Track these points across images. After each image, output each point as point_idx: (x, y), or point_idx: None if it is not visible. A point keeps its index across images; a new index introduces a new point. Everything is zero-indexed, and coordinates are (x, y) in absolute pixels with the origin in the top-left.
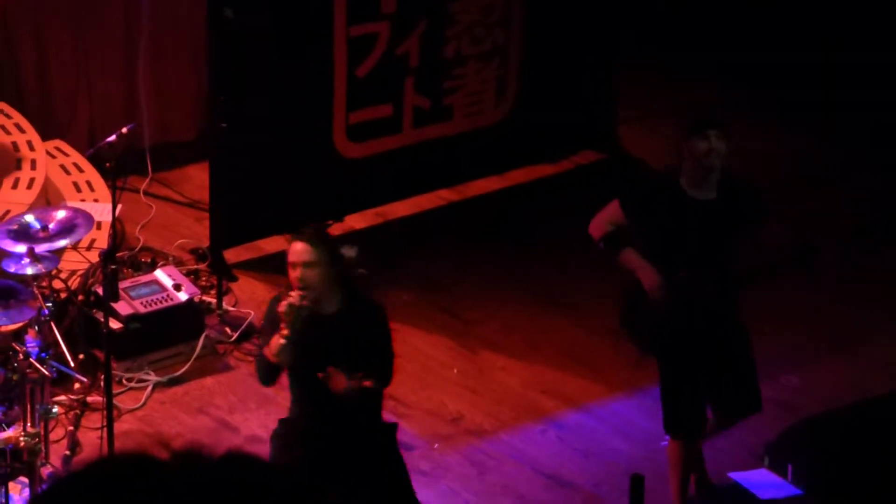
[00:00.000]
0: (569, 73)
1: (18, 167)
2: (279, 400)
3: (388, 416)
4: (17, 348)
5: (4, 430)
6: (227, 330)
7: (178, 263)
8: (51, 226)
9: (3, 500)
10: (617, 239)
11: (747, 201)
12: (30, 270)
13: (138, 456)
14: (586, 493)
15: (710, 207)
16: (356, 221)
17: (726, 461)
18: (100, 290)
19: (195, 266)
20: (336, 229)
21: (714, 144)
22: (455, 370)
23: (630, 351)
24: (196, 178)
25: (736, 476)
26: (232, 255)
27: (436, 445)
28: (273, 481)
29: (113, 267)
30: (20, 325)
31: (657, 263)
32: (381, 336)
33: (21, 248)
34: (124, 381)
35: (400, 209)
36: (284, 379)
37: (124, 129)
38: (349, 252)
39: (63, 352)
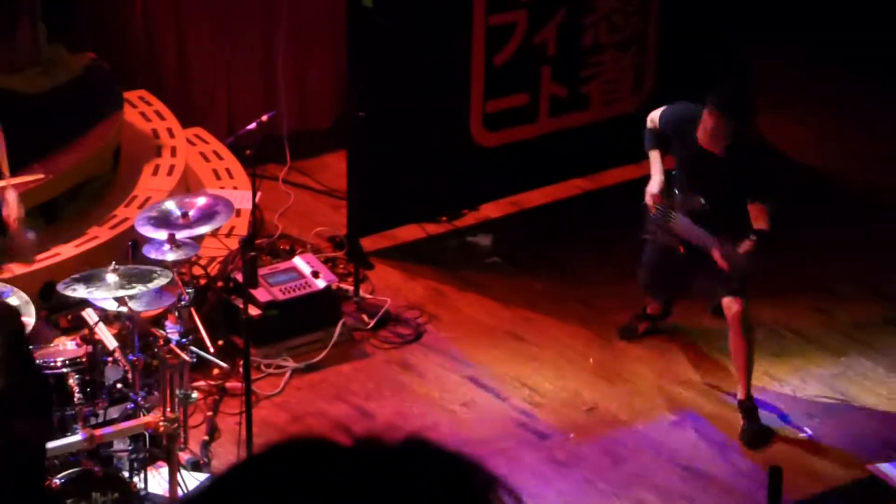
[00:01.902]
0: (705, 61)
1: (159, 154)
2: (414, 387)
3: (523, 406)
4: (157, 334)
5: (144, 416)
6: (364, 317)
7: (316, 251)
8: (191, 213)
9: (143, 485)
10: (651, 136)
11: (750, 175)
12: (170, 257)
13: (320, 441)
14: (723, 484)
15: (715, 159)
16: (491, 210)
17: (865, 454)
18: (239, 277)
19: (333, 254)
20: (471, 218)
21: (715, 124)
22: (591, 360)
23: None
24: (334, 167)
25: (875, 468)
26: (369, 243)
27: (571, 435)
28: (455, 467)
29: (252, 254)
30: (160, 310)
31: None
32: None
33: (161, 234)
34: (262, 368)
35: (535, 198)
36: (417, 365)
37: (264, 118)
38: (484, 241)
39: (202, 338)
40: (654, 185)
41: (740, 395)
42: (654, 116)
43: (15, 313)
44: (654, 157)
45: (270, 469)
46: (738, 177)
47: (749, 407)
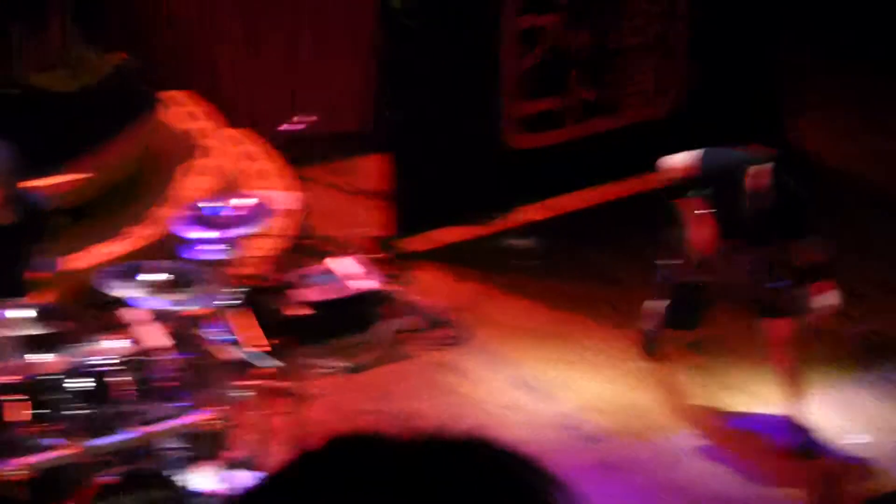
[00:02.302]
0: (736, 66)
1: (201, 154)
2: (459, 389)
3: (566, 408)
4: (207, 333)
5: (193, 414)
6: (409, 319)
7: (360, 252)
8: (235, 213)
9: (191, 484)
10: (684, 186)
11: (790, 213)
12: (217, 257)
13: (378, 437)
14: (773, 492)
15: (757, 198)
16: (531, 213)
17: None
18: (284, 278)
19: (376, 255)
20: (511, 221)
21: (750, 183)
22: (627, 363)
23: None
24: (366, 169)
25: None
26: (412, 245)
27: (616, 439)
28: (512, 465)
29: (298, 254)
30: (209, 310)
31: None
32: None
33: (207, 234)
34: (310, 368)
35: (568, 202)
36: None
37: (305, 119)
38: (525, 243)
39: (249, 337)
40: (703, 230)
41: (789, 408)
42: (682, 165)
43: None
44: (689, 203)
45: (329, 464)
46: (783, 216)
47: (799, 419)
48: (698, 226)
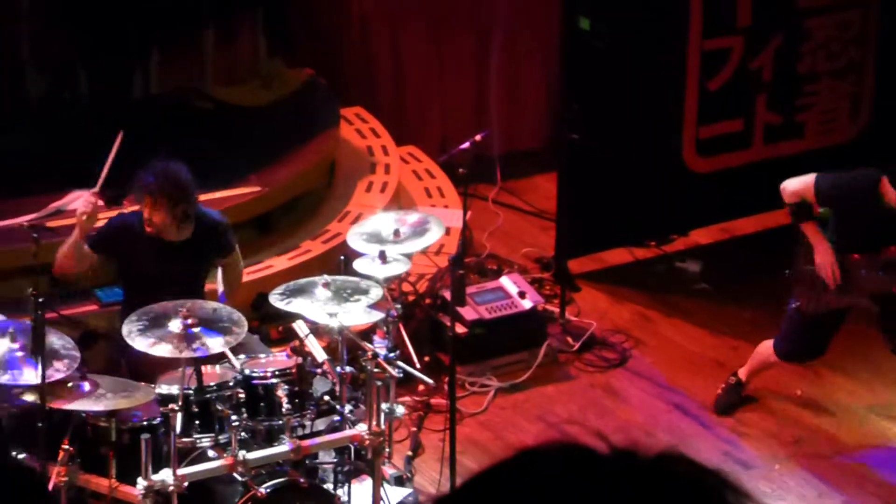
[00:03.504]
0: None
1: (372, 171)
2: (617, 412)
3: (727, 434)
4: (366, 348)
5: (350, 428)
6: (569, 340)
7: (523, 271)
8: (402, 229)
9: (347, 498)
10: (805, 210)
11: None
12: (380, 272)
13: (578, 447)
14: None
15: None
16: (701, 236)
17: None
18: (447, 295)
19: (539, 275)
20: (680, 243)
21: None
22: (798, 391)
23: None
24: (543, 188)
25: None
26: (576, 266)
27: (777, 466)
28: (709, 482)
29: (461, 272)
30: (369, 325)
31: (844, 243)
32: None
33: (373, 249)
34: (467, 386)
35: (746, 226)
36: (621, 390)
37: (477, 137)
38: (693, 267)
39: (409, 353)
40: (830, 254)
41: None
42: (801, 192)
43: None
44: (813, 226)
45: (529, 470)
46: None
47: None
48: (823, 248)
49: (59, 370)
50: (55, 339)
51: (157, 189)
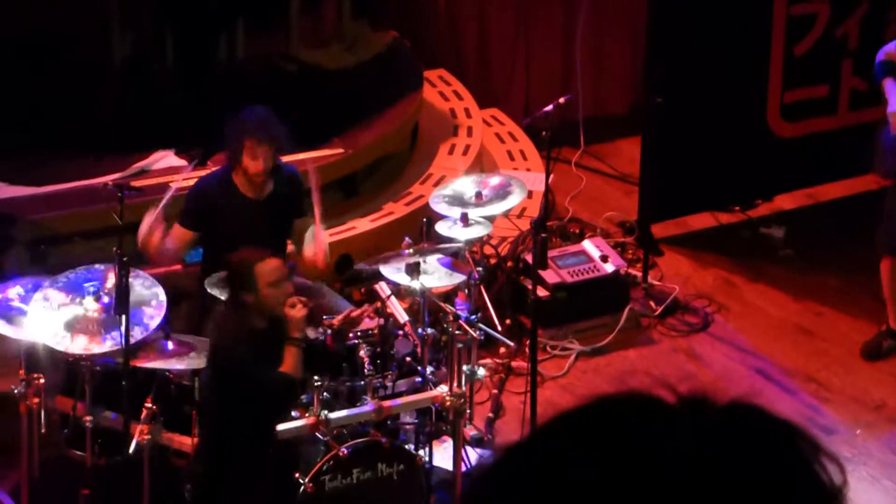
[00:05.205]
0: None
1: (455, 134)
2: (699, 376)
3: (810, 400)
4: (447, 310)
5: (432, 390)
6: (652, 304)
7: (606, 235)
8: (484, 192)
9: (428, 459)
10: (891, 67)
11: None
12: (462, 235)
13: (647, 396)
14: None
15: None
16: (785, 201)
17: None
18: (529, 258)
19: (622, 239)
20: (764, 208)
21: None
22: (858, 431)
23: None
24: (627, 152)
25: None
26: (659, 230)
27: (858, 431)
28: (781, 431)
29: (543, 235)
30: (451, 287)
31: None
32: None
33: (455, 212)
34: (548, 349)
35: (831, 190)
36: (703, 354)
37: (561, 100)
38: (777, 232)
39: (491, 316)
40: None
41: None
42: (890, 49)
43: None
44: (890, 83)
45: (597, 419)
46: None
47: None
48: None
49: (152, 317)
50: (142, 290)
51: (256, 129)
